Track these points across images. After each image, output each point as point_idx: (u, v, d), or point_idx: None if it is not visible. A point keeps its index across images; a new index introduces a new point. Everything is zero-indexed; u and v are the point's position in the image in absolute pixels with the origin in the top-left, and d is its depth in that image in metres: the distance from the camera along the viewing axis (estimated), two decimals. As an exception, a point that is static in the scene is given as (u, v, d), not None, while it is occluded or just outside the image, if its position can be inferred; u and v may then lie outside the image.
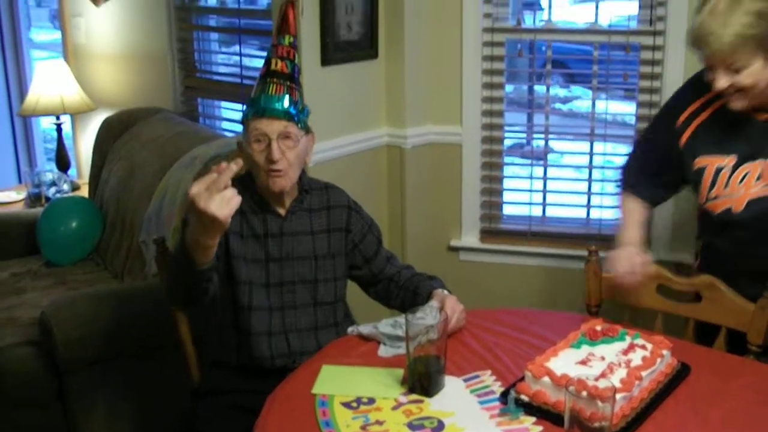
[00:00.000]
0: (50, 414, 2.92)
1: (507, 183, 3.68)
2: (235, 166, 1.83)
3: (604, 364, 1.90)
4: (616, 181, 2.49)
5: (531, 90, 3.69)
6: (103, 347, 2.87)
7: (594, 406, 1.75)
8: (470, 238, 3.66)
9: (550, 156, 3.66)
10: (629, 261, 2.24)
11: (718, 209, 2.21)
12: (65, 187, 4.44)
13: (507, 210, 3.70)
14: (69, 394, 2.89)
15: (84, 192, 4.32)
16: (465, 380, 1.97)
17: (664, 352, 1.97)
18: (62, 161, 4.64)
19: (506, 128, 3.59)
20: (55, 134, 4.70)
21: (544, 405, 1.82)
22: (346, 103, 3.37)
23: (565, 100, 6.39)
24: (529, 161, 3.64)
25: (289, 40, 2.22)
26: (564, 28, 3.50)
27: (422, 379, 1.90)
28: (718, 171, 2.18)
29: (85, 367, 2.87)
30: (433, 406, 1.86)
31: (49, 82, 4.39)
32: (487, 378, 1.98)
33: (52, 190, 4.39)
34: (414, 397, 1.89)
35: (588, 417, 1.75)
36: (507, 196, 3.69)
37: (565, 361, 1.90)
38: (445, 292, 2.27)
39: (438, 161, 3.59)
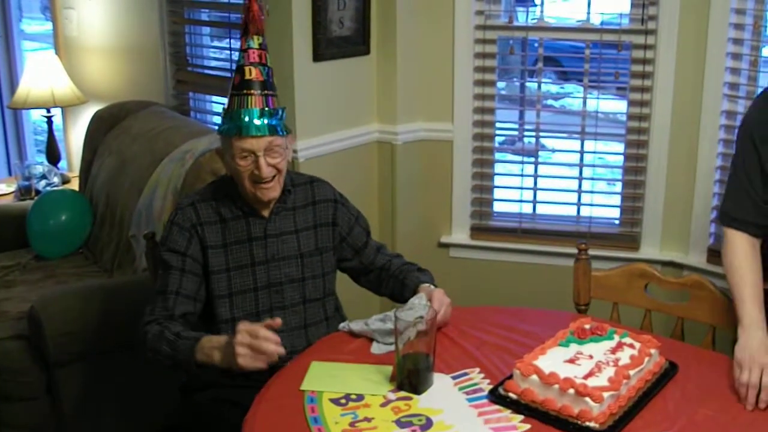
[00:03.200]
0: (39, 408, 2.92)
1: (498, 180, 3.69)
2: (282, 351, 1.94)
3: (593, 362, 1.91)
4: (718, 218, 2.27)
5: (522, 87, 3.70)
6: (93, 342, 2.87)
7: (582, 404, 1.76)
8: (460, 234, 3.67)
9: (541, 153, 3.67)
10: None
11: None
12: (55, 180, 4.42)
13: (497, 207, 3.70)
14: (58, 388, 2.89)
15: (74, 185, 4.31)
16: (453, 378, 1.98)
17: (652, 351, 1.98)
18: (52, 154, 4.62)
19: (497, 125, 3.60)
20: (45, 126, 4.68)
21: (532, 403, 1.83)
22: (338, 99, 3.37)
23: (557, 97, 6.40)
24: (520, 158, 3.64)
25: (258, 41, 2.17)
26: (556, 26, 3.50)
27: (411, 376, 1.91)
28: None
29: (75, 362, 2.88)
30: (421, 403, 1.87)
31: (40, 74, 4.37)
32: (476, 375, 1.99)
33: (43, 182, 4.37)
34: (402, 394, 1.90)
35: (576, 415, 1.76)
36: (498, 193, 3.70)
37: (553, 360, 1.91)
38: (432, 286, 2.27)
39: (429, 158, 3.59)
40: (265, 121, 2.14)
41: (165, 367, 2.17)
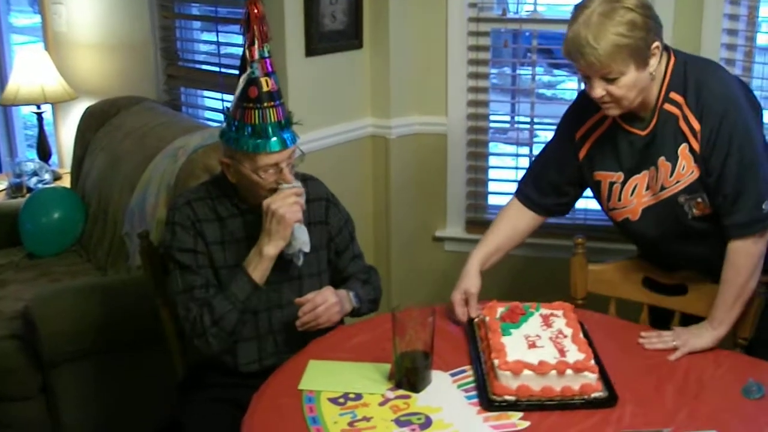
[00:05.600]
0: (34, 408, 2.92)
1: (492, 173, 3.68)
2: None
3: (548, 341, 1.96)
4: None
5: (515, 80, 3.67)
6: (88, 341, 2.85)
7: (582, 379, 1.79)
8: (455, 228, 3.66)
9: (535, 145, 3.65)
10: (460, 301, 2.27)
11: (619, 218, 2.29)
12: (47, 177, 4.38)
13: (492, 200, 3.69)
14: (53, 388, 2.88)
15: (66, 182, 4.29)
16: (452, 375, 1.98)
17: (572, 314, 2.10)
18: (43, 150, 4.59)
19: (491, 118, 3.58)
20: (35, 120, 4.65)
21: (531, 398, 1.83)
22: (331, 93, 3.35)
23: (551, 86, 6.39)
24: (515, 150, 3.62)
25: (267, 49, 2.12)
26: (550, 18, 3.48)
27: (409, 375, 1.91)
28: (611, 185, 2.26)
29: (70, 361, 2.86)
30: (420, 401, 1.87)
31: (30, 70, 4.33)
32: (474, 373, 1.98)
33: (34, 179, 4.34)
34: (401, 392, 1.90)
35: (578, 391, 1.79)
36: (492, 186, 3.69)
37: (520, 351, 1.92)
38: (351, 294, 2.28)
39: (423, 151, 3.58)
40: (288, 134, 2.14)
41: (229, 333, 2.17)
